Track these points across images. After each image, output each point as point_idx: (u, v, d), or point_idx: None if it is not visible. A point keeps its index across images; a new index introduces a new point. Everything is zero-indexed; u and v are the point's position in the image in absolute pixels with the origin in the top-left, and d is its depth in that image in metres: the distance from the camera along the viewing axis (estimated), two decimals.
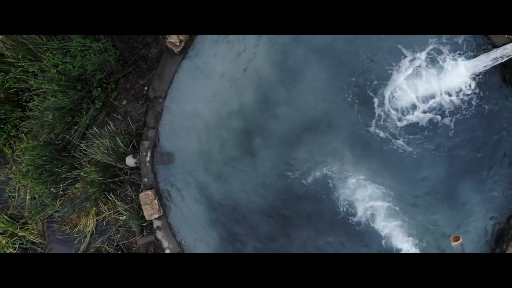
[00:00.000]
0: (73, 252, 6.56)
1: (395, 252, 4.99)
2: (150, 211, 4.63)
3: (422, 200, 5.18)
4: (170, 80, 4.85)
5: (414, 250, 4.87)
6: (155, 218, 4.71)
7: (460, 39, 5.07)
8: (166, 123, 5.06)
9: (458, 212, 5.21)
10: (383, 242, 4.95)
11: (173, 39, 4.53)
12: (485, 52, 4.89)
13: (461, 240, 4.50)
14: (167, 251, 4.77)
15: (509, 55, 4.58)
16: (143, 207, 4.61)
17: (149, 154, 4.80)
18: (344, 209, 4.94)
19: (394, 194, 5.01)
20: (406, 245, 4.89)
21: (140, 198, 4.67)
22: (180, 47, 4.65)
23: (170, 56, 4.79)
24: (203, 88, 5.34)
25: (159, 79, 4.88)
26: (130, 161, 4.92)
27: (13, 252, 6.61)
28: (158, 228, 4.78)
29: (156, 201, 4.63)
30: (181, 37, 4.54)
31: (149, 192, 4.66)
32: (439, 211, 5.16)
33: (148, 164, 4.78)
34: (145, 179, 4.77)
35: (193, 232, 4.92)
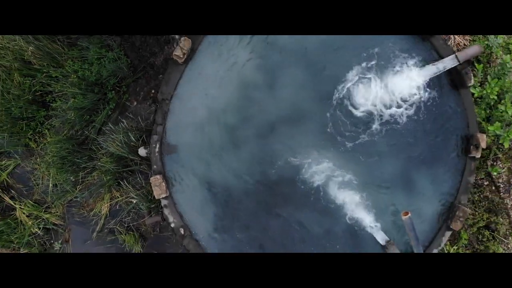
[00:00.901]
0: (90, 231, 7.54)
1: (358, 228, 6.00)
2: (159, 191, 5.61)
3: (384, 186, 6.15)
4: (175, 85, 5.82)
5: (374, 224, 5.89)
6: (162, 198, 5.68)
7: (413, 49, 6.11)
8: (172, 120, 5.99)
9: (413, 196, 6.14)
10: (348, 217, 5.94)
11: (178, 52, 5.53)
12: (433, 62, 5.94)
13: (409, 214, 5.51)
14: (172, 225, 5.75)
15: (449, 66, 5.63)
16: (153, 188, 5.59)
17: (158, 145, 5.78)
18: (315, 190, 5.91)
19: (359, 180, 5.98)
20: (367, 220, 5.89)
21: (151, 181, 5.64)
22: (184, 59, 5.63)
23: (175, 66, 5.77)
24: (201, 91, 6.24)
25: (166, 84, 5.87)
26: (142, 151, 5.92)
27: (38, 232, 7.59)
28: (165, 206, 5.76)
29: (163, 184, 5.62)
30: (184, 50, 5.54)
31: (158, 176, 5.65)
32: (397, 195, 6.07)
33: (157, 154, 5.76)
34: (155, 166, 5.76)
35: (193, 209, 5.83)
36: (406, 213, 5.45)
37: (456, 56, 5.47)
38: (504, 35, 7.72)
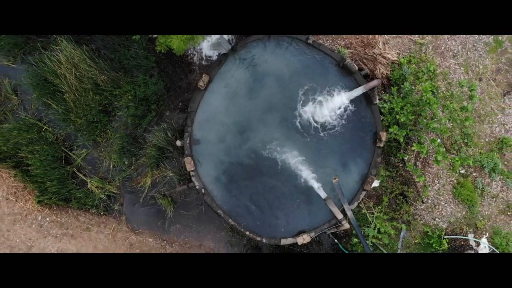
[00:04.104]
0: (139, 196, 11.15)
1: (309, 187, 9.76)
2: (189, 166, 9.32)
3: (327, 164, 9.91)
4: (198, 103, 9.57)
5: (319, 187, 9.64)
6: (191, 171, 9.45)
7: (343, 80, 9.86)
8: (196, 124, 9.71)
9: (345, 171, 9.87)
10: (303, 183, 9.64)
11: (200, 83, 9.27)
12: (354, 88, 9.69)
13: (337, 179, 9.31)
14: (197, 187, 9.48)
15: (360, 92, 9.38)
16: (186, 164, 9.29)
17: (188, 139, 9.50)
18: (284, 166, 9.68)
19: (311, 162, 9.75)
20: (315, 184, 9.64)
21: (184, 160, 9.34)
22: (204, 87, 9.42)
23: (199, 91, 9.50)
24: (214, 106, 9.95)
25: (193, 102, 9.61)
26: (178, 143, 9.67)
27: (103, 197, 11.15)
28: (193, 175, 9.48)
29: (192, 162, 9.33)
30: (205, 82, 9.31)
31: (189, 157, 9.36)
32: (334, 170, 9.85)
33: (188, 144, 9.48)
34: (186, 151, 9.50)
35: (209, 177, 9.45)
36: (335, 178, 9.23)
37: (364, 87, 9.22)
38: (415, 65, 11.49)
